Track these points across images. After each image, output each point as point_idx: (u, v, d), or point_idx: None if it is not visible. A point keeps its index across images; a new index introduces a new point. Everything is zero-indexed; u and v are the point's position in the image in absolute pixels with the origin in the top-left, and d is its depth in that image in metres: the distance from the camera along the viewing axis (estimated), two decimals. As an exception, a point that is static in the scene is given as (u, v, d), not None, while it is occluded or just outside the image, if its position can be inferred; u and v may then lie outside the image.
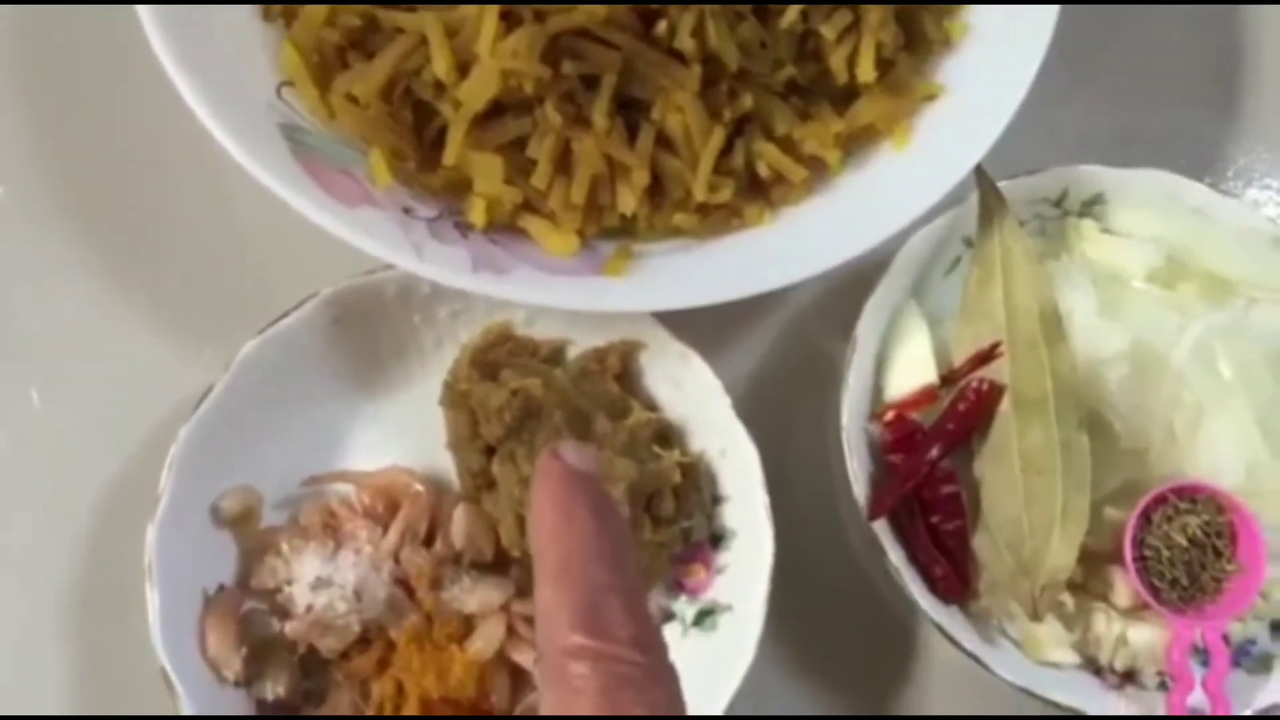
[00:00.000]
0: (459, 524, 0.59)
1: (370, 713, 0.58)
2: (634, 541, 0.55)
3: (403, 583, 0.59)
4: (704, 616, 0.60)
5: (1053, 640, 0.59)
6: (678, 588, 0.61)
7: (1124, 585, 0.59)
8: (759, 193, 0.61)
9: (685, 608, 0.60)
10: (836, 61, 0.60)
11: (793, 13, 0.58)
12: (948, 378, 0.61)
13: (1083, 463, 0.57)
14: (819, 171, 0.61)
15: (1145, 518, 0.58)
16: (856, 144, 0.62)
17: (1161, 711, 0.59)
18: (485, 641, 0.58)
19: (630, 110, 0.58)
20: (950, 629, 0.58)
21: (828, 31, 0.59)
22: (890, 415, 0.61)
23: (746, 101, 0.59)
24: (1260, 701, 0.59)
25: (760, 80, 0.59)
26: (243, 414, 0.59)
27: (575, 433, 0.58)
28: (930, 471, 0.59)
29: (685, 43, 0.56)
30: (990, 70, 0.61)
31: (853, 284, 0.61)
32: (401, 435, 0.62)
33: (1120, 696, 0.59)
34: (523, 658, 0.59)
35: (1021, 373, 0.59)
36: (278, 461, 0.61)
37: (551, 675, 0.35)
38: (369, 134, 0.57)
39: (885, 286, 0.61)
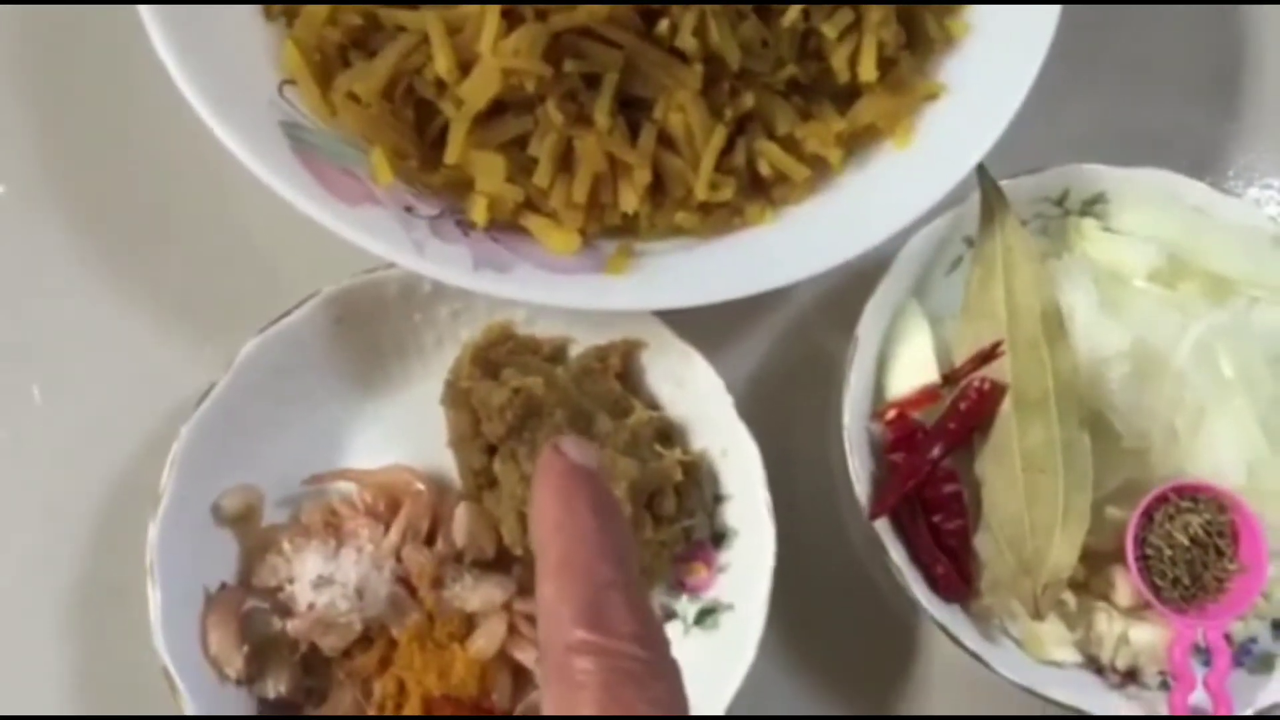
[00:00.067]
0: (460, 522, 0.59)
1: (372, 711, 0.58)
2: (634, 538, 0.55)
3: (404, 581, 0.59)
4: (705, 615, 0.60)
5: (1054, 639, 0.59)
6: (679, 587, 0.61)
7: (1126, 584, 0.59)
8: (760, 192, 0.61)
9: (687, 607, 0.60)
10: (838, 60, 0.60)
11: (794, 11, 0.58)
12: (949, 377, 0.61)
13: (1084, 462, 0.57)
14: (821, 170, 0.61)
15: (1147, 517, 0.58)
16: (858, 143, 0.62)
17: (1163, 711, 0.59)
18: (487, 640, 0.58)
19: (632, 109, 0.58)
20: (952, 628, 0.58)
21: (829, 30, 0.59)
22: (892, 414, 0.61)
23: (748, 100, 0.59)
24: (1262, 701, 0.59)
25: (762, 79, 0.59)
26: (244, 412, 0.59)
27: (577, 431, 0.58)
28: (932, 470, 0.59)
29: (687, 41, 0.56)
30: (992, 69, 0.61)
31: (854, 283, 0.61)
32: (403, 434, 0.62)
33: (1122, 695, 0.59)
34: (524, 656, 0.59)
35: (1023, 372, 0.59)
36: (279, 460, 0.61)
37: (553, 671, 0.34)
38: (370, 132, 0.57)
39: (887, 286, 0.61)
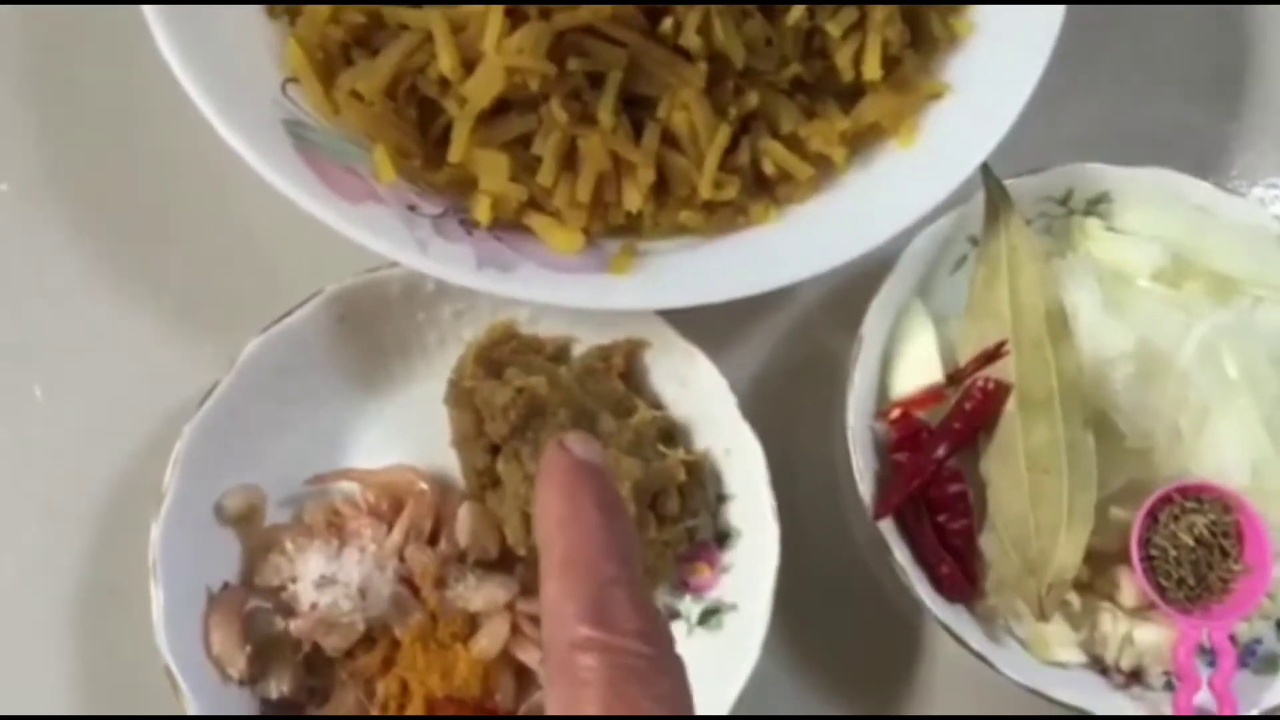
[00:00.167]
0: (464, 522, 0.59)
1: (375, 712, 0.58)
2: (638, 535, 0.55)
3: (407, 581, 0.59)
4: (709, 616, 0.60)
5: (1059, 639, 0.59)
6: (683, 587, 0.61)
7: (1130, 585, 0.59)
8: (764, 191, 0.61)
9: (690, 607, 0.60)
10: (842, 59, 0.60)
11: (798, 10, 0.58)
12: (953, 376, 0.61)
13: (1088, 462, 0.57)
14: (825, 169, 0.61)
15: (1152, 517, 0.58)
16: (862, 142, 0.62)
17: (1168, 711, 0.59)
18: (490, 640, 0.58)
19: (636, 108, 0.58)
20: (956, 628, 0.57)
21: (833, 29, 0.59)
22: (896, 414, 0.60)
23: (752, 99, 0.59)
24: (1266, 701, 0.59)
25: (766, 78, 0.59)
26: (247, 412, 0.59)
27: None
28: (936, 470, 0.59)
29: (691, 40, 0.56)
30: (996, 68, 0.61)
31: (858, 282, 0.61)
32: (406, 433, 0.62)
33: (1126, 696, 0.59)
34: (527, 656, 0.59)
35: (1027, 371, 0.59)
36: (282, 459, 0.61)
37: (558, 667, 0.34)
38: (374, 131, 0.57)
39: (891, 285, 0.60)
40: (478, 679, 0.58)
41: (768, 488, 0.58)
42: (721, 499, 0.61)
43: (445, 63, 0.55)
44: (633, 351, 0.61)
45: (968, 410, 0.59)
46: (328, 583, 0.58)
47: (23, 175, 0.67)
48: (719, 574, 0.60)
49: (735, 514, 0.60)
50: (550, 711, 0.34)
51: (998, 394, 0.59)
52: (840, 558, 0.64)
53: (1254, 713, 0.58)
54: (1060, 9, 0.61)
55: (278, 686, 0.57)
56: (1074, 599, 0.59)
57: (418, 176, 0.58)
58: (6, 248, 0.66)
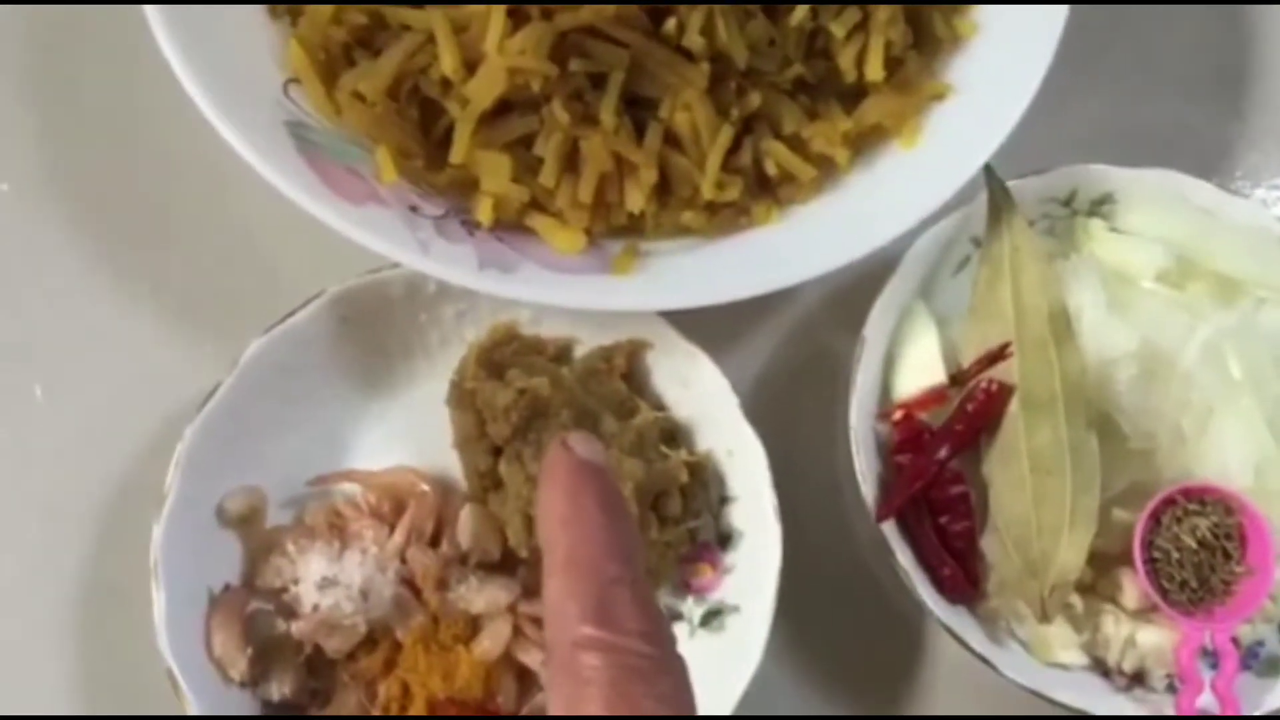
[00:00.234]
0: (465, 524, 0.59)
1: (376, 714, 0.58)
2: (640, 535, 0.55)
3: (409, 583, 0.59)
4: (711, 617, 0.60)
5: (1061, 641, 0.59)
6: (685, 588, 0.61)
7: (1133, 587, 0.59)
8: (767, 191, 0.61)
9: (693, 608, 0.60)
10: (845, 60, 0.60)
11: (802, 10, 0.58)
12: (956, 378, 0.61)
13: (1091, 463, 0.57)
14: (827, 170, 0.61)
15: (1154, 519, 0.58)
16: (865, 143, 0.62)
17: (1170, 714, 0.58)
18: (492, 642, 0.58)
19: (638, 108, 0.58)
20: (958, 630, 0.57)
21: (837, 29, 0.59)
22: (898, 415, 0.60)
23: (755, 100, 0.58)
24: (1269, 704, 0.59)
25: (769, 78, 0.59)
26: (249, 413, 0.59)
27: (582, 432, 0.58)
28: (939, 472, 0.59)
29: (694, 40, 0.56)
30: (999, 69, 0.61)
31: (861, 283, 0.61)
32: (407, 435, 0.62)
33: (1129, 698, 0.59)
34: (529, 658, 0.59)
35: (1030, 373, 0.59)
36: (283, 461, 0.60)
37: (560, 667, 0.35)
38: (375, 132, 0.57)
39: (893, 286, 0.60)
40: (479, 681, 0.57)
41: (770, 489, 0.58)
42: (724, 500, 0.61)
43: (447, 63, 0.55)
44: (635, 352, 0.61)
45: (970, 412, 0.59)
46: (329, 584, 0.57)
47: (23, 175, 0.67)
48: (721, 575, 0.60)
49: (737, 515, 0.60)
50: (553, 711, 0.34)
51: (1000, 395, 0.59)
52: (842, 559, 0.64)
53: (1256, 715, 0.58)
54: (1063, 10, 0.61)
55: (279, 688, 0.57)
56: (1076, 601, 0.59)
57: (420, 177, 0.58)
58: (6, 248, 0.66)
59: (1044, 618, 0.57)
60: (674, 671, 0.35)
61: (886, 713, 0.63)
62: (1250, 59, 0.74)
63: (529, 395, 0.57)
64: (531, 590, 0.59)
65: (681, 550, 0.60)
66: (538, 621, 0.58)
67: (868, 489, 0.58)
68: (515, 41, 0.54)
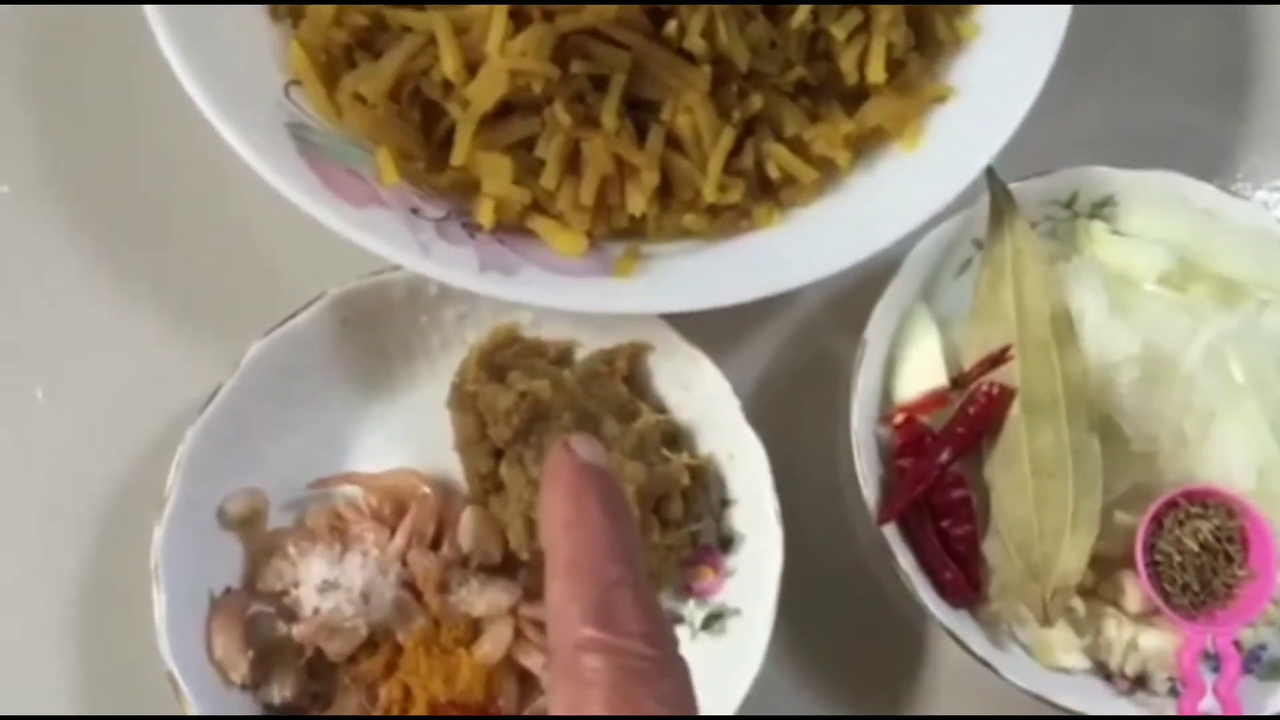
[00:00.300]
0: (467, 527, 0.59)
1: (377, 716, 0.58)
2: (641, 537, 0.55)
3: (410, 586, 0.59)
4: (712, 620, 0.60)
5: (1063, 645, 0.59)
6: (686, 591, 0.61)
7: (1135, 590, 0.59)
8: (768, 194, 0.61)
9: (694, 612, 0.60)
10: (847, 62, 0.60)
11: (803, 12, 0.58)
12: (958, 381, 0.61)
13: (1093, 466, 0.57)
14: (829, 173, 0.61)
15: (1156, 522, 0.58)
16: (866, 145, 0.62)
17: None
18: (493, 645, 0.58)
19: (639, 110, 0.58)
20: (960, 633, 0.57)
21: (838, 31, 0.59)
22: (900, 418, 0.60)
23: (756, 102, 0.58)
24: (1271, 707, 0.59)
25: (770, 80, 0.59)
26: (250, 415, 0.59)
27: (583, 435, 0.58)
28: (940, 475, 0.59)
29: (695, 43, 0.56)
30: (1001, 71, 0.61)
31: (862, 286, 0.61)
32: (409, 437, 0.62)
33: (1131, 702, 0.59)
34: (530, 661, 0.58)
35: (1032, 375, 0.59)
36: (284, 463, 0.60)
37: (562, 669, 0.35)
38: (377, 134, 0.57)
39: (895, 288, 0.60)
40: (480, 684, 0.57)
41: (771, 492, 0.58)
42: (725, 503, 0.61)
43: (448, 65, 0.55)
44: (636, 355, 0.61)
45: (972, 415, 0.59)
46: (330, 587, 0.57)
47: (23, 175, 0.67)
48: (722, 578, 0.60)
49: (739, 518, 0.60)
50: (554, 712, 0.34)
51: (1002, 398, 0.59)
52: (844, 562, 0.64)
53: (1258, 718, 0.58)
54: (1065, 11, 0.60)
55: (280, 692, 0.57)
56: (1078, 604, 0.59)
57: (421, 179, 0.58)
58: (6, 248, 0.66)
59: (1046, 621, 0.57)
60: (676, 673, 0.35)
61: (888, 716, 0.63)
62: (1252, 60, 0.74)
63: (530, 398, 0.57)
64: (533, 593, 0.59)
65: (683, 553, 0.60)
66: (539, 624, 0.58)
67: (869, 492, 0.58)
68: (517, 43, 0.54)
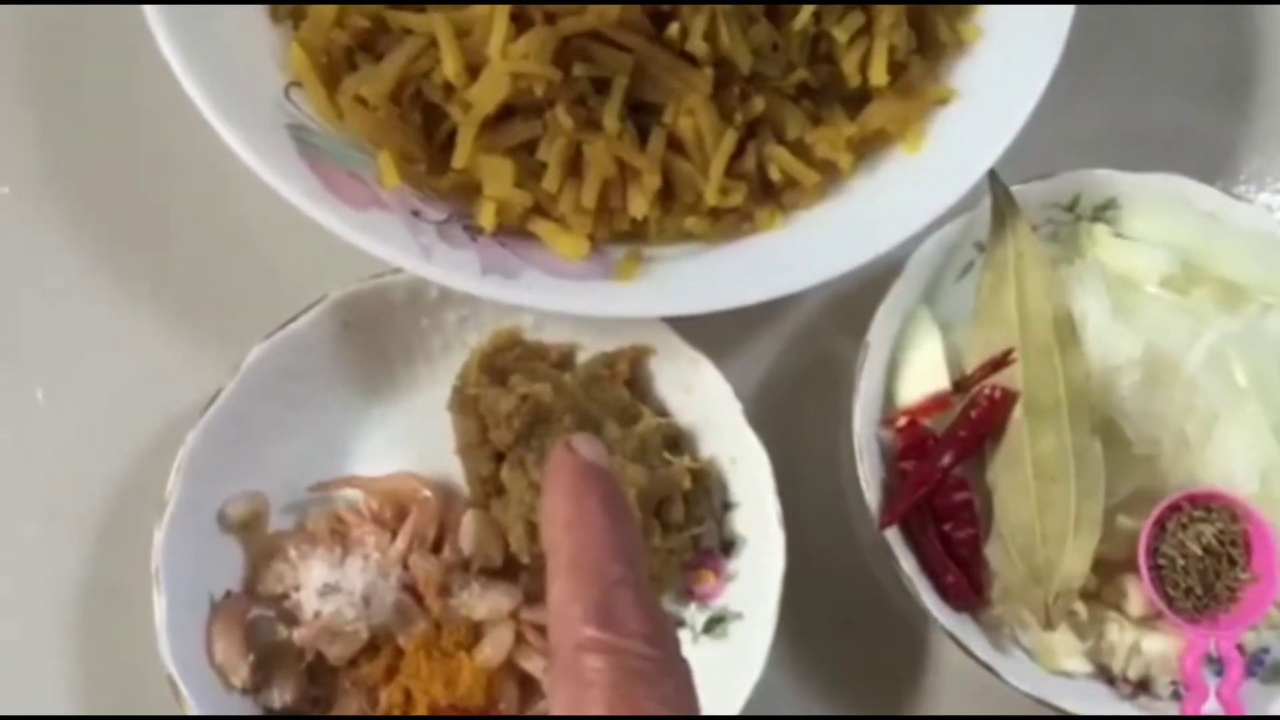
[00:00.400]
0: (468, 530, 0.59)
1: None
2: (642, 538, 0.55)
3: (411, 589, 0.59)
4: (714, 624, 0.59)
5: (1065, 649, 0.59)
6: (688, 595, 0.61)
7: (1137, 594, 0.59)
8: (770, 197, 0.60)
9: (695, 615, 0.60)
10: (849, 64, 0.59)
11: (805, 15, 0.58)
12: (960, 384, 0.61)
13: (1095, 469, 0.57)
14: (831, 176, 0.61)
15: (1159, 526, 0.58)
16: (868, 148, 0.61)
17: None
18: (494, 649, 0.58)
19: (641, 113, 0.57)
20: (962, 637, 0.57)
21: (840, 34, 0.59)
22: (902, 422, 0.60)
23: (758, 105, 0.58)
24: (1274, 711, 0.59)
25: (772, 83, 0.59)
26: (251, 417, 0.58)
27: (585, 438, 0.57)
28: (942, 478, 0.59)
29: (697, 45, 0.56)
30: (1004, 74, 0.61)
31: (864, 289, 0.61)
32: (409, 440, 0.62)
33: (1134, 706, 0.59)
34: (531, 665, 0.58)
35: (1034, 378, 0.59)
36: (285, 466, 0.60)
37: (563, 668, 0.35)
38: (378, 136, 0.57)
39: (897, 292, 0.60)
40: (481, 688, 0.57)
41: (773, 495, 0.58)
42: (727, 506, 0.61)
43: (450, 68, 0.55)
44: (638, 358, 0.61)
45: (974, 418, 0.59)
46: (331, 591, 0.57)
47: (23, 175, 0.67)
48: (724, 582, 0.60)
49: (740, 522, 0.60)
50: (555, 712, 0.34)
51: (1004, 401, 0.59)
52: (846, 566, 0.64)
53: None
54: (1068, 13, 0.60)
55: (280, 695, 0.57)
56: (1081, 608, 0.59)
57: (422, 182, 0.57)
58: (6, 248, 0.66)
59: (1048, 625, 0.57)
60: (677, 674, 0.35)
61: (889, 718, 0.63)
62: (1254, 62, 0.73)
63: (531, 401, 0.56)
64: (534, 597, 0.59)
65: (684, 557, 0.60)
66: (540, 628, 0.58)
67: (871, 495, 0.58)
68: (518, 46, 0.54)
